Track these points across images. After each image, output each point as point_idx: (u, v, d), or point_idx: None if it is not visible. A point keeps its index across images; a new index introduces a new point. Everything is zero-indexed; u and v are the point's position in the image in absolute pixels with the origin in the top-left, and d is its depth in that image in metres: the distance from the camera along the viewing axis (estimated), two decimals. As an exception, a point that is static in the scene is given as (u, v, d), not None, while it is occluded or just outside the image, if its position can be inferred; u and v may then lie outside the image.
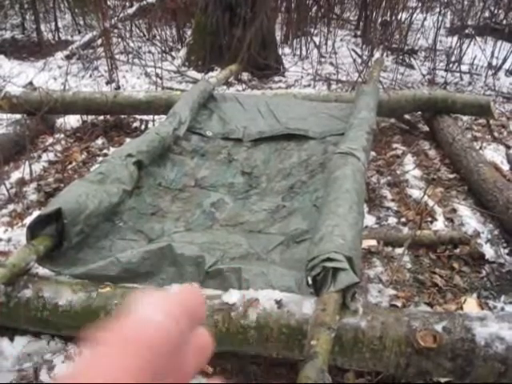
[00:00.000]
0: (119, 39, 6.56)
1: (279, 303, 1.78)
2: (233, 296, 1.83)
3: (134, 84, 5.52)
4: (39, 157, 3.75)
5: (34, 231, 2.13)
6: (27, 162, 3.40)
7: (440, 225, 2.88)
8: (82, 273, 2.08)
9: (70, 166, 3.60)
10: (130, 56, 6.39)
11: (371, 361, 1.73)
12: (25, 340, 2.05)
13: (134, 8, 7.97)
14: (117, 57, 6.03)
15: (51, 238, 2.14)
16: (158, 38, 7.09)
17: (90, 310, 1.90)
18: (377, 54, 6.39)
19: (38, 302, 1.94)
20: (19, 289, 1.97)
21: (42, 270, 2.12)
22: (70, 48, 6.53)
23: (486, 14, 7.91)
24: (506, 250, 2.70)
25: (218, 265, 2.12)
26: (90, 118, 4.40)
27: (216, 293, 1.87)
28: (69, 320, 1.93)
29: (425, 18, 7.36)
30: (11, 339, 2.05)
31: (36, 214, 2.40)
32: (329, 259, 1.77)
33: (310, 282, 1.81)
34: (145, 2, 7.81)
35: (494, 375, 1.67)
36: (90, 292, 1.94)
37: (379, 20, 7.54)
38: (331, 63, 6.29)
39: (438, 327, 1.68)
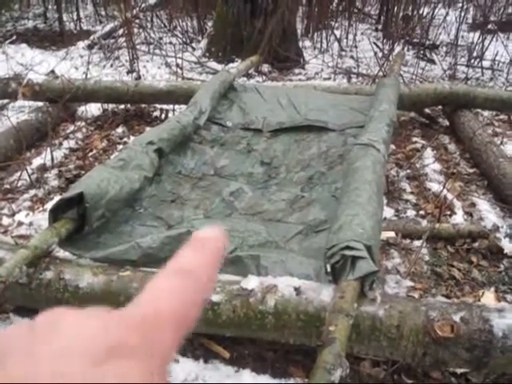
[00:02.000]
0: (140, 29, 6.60)
1: (297, 290, 1.79)
2: (251, 282, 1.84)
3: (155, 74, 5.55)
4: (60, 144, 3.79)
5: (56, 214, 2.15)
6: (49, 149, 3.44)
7: (459, 218, 2.88)
8: (103, 256, 2.10)
9: (90, 154, 3.64)
10: (151, 46, 6.42)
11: (388, 349, 1.74)
12: (45, 321, 2.08)
13: (155, -1, 8.01)
14: (138, 47, 6.06)
15: (73, 222, 2.17)
16: (178, 28, 7.12)
17: (110, 292, 1.93)
18: (397, 49, 6.36)
19: (59, 284, 1.97)
20: (41, 270, 2.00)
21: (63, 253, 2.15)
22: (91, 38, 6.58)
23: (510, 9, 7.84)
24: (525, 245, 2.69)
25: (237, 252, 2.13)
26: (111, 106, 4.44)
27: (235, 278, 1.89)
28: (89, 302, 1.94)
29: (447, 13, 7.33)
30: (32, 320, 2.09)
31: (57, 199, 2.43)
32: (348, 247, 1.78)
33: (329, 269, 1.82)
34: (166, -7, 7.84)
35: (511, 366, 1.67)
36: (110, 275, 1.96)
37: (400, 14, 7.51)
38: (352, 57, 6.28)
39: (456, 317, 1.69)
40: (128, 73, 5.47)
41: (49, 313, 0.31)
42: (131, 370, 0.28)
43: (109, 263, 2.07)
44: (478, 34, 6.29)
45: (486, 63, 6.05)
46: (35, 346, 0.28)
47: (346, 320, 1.54)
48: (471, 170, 3.46)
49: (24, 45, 6.38)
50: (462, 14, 6.63)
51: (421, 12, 7.14)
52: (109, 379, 0.27)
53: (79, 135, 3.96)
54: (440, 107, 4.40)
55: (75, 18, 7.71)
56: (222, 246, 0.35)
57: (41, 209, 2.93)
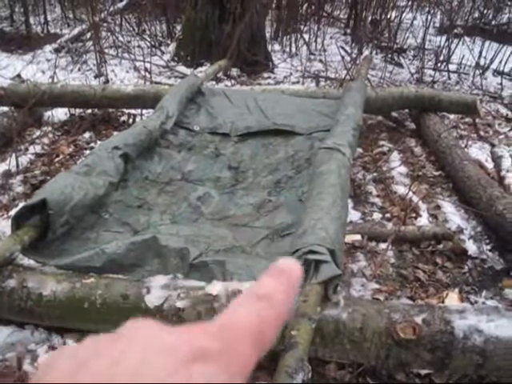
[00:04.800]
0: (108, 33, 6.55)
1: (262, 295, 1.79)
2: (216, 287, 1.84)
3: (123, 78, 5.51)
4: (26, 149, 3.74)
5: (19, 222, 2.13)
6: (14, 155, 3.40)
7: (424, 221, 2.92)
8: (67, 264, 2.08)
9: (56, 159, 3.60)
10: (120, 50, 6.37)
11: (352, 352, 1.76)
12: (8, 330, 2.05)
13: (123, 2, 7.96)
14: (106, 51, 6.01)
15: (36, 229, 2.15)
16: (147, 32, 7.08)
17: (73, 300, 1.91)
18: (366, 52, 6.42)
19: (22, 292, 1.95)
20: (3, 279, 1.97)
21: (26, 261, 2.12)
22: (58, 41, 6.49)
23: (476, 14, 7.97)
24: (489, 247, 2.73)
25: (203, 257, 2.13)
26: (78, 111, 4.39)
27: (199, 284, 1.89)
28: (53, 310, 1.94)
29: (414, 17, 7.42)
30: (-5, 329, 2.06)
31: (22, 205, 2.40)
32: (311, 251, 1.79)
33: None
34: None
35: (472, 367, 1.69)
36: (74, 282, 1.95)
37: (369, 18, 7.58)
38: (320, 60, 6.31)
39: (418, 319, 1.71)
40: (96, 77, 5.42)
41: (129, 324, 0.33)
42: (216, 373, 0.30)
43: (73, 270, 2.05)
44: (444, 38, 6.38)
45: (452, 67, 6.14)
46: (115, 351, 0.30)
47: (309, 324, 1.55)
48: (436, 173, 3.51)
49: (-11, 48, 6.29)
50: (429, 19, 6.70)
51: (389, 16, 7.21)
52: (196, 379, 0.29)
53: (45, 140, 3.91)
54: (406, 110, 4.45)
55: (42, 21, 7.61)
56: (298, 275, 0.38)
57: (5, 216, 2.89)
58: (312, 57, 6.55)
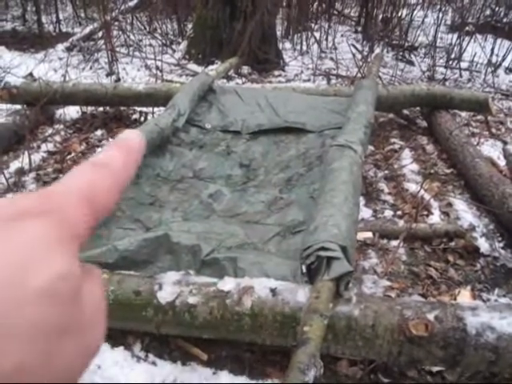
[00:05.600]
0: (120, 32, 6.58)
1: (274, 291, 1.79)
2: (228, 284, 1.84)
3: (134, 76, 5.53)
4: (38, 147, 3.77)
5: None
6: (26, 152, 3.42)
7: (436, 218, 2.91)
8: (79, 260, 2.09)
9: (68, 157, 3.62)
10: (131, 49, 6.40)
11: (364, 349, 1.75)
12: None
13: (135, 1, 7.99)
14: (117, 49, 6.04)
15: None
16: (158, 31, 7.12)
17: (86, 296, 1.92)
18: (377, 50, 6.40)
19: (36, 288, 1.95)
20: (17, 275, 1.98)
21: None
22: (70, 40, 6.54)
23: (487, 11, 7.93)
24: (501, 244, 2.72)
25: (215, 254, 2.13)
26: (90, 109, 4.42)
27: (211, 280, 1.89)
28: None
29: (425, 15, 7.38)
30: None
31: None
32: (323, 248, 1.79)
33: (305, 270, 1.83)
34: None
35: (484, 364, 1.69)
36: (86, 278, 1.95)
37: (380, 16, 7.56)
38: (331, 58, 6.31)
39: (430, 316, 1.70)
40: (107, 75, 5.45)
41: None
42: (37, 227, 0.28)
43: (86, 266, 2.06)
44: (456, 35, 6.35)
45: (463, 64, 6.11)
46: None
47: (321, 320, 1.55)
48: (448, 171, 3.50)
49: (2, 47, 6.33)
50: (441, 16, 6.67)
51: (400, 14, 7.19)
52: (14, 233, 0.27)
53: (57, 138, 3.94)
54: (418, 108, 4.43)
55: (54, 20, 7.66)
56: (137, 144, 0.38)
57: (18, 213, 2.90)
58: (323, 55, 6.54)
